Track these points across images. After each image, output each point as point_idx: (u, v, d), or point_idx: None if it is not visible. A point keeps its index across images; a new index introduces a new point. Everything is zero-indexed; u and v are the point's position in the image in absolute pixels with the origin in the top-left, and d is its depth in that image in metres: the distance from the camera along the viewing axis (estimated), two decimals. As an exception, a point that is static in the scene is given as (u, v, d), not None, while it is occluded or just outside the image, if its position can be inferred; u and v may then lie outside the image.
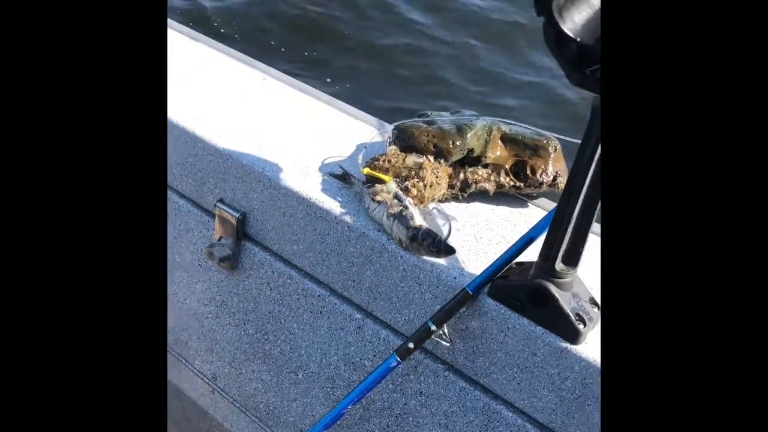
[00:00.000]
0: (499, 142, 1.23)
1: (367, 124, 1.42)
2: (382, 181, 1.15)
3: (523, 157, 1.22)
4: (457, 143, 1.19)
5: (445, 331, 1.04)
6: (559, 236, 0.93)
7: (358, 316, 1.21)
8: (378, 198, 1.12)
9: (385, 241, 1.11)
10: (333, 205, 1.17)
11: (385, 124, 1.44)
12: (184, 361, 1.58)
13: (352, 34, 4.00)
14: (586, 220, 0.92)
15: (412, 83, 3.66)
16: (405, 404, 1.20)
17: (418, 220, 1.07)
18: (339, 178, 1.24)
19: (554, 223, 0.94)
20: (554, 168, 1.22)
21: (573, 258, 0.95)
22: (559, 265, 0.95)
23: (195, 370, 1.57)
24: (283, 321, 1.33)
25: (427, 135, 1.21)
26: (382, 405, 1.23)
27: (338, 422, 1.19)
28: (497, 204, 1.24)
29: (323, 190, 1.20)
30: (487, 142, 1.21)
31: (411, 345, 1.06)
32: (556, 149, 1.23)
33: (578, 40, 0.67)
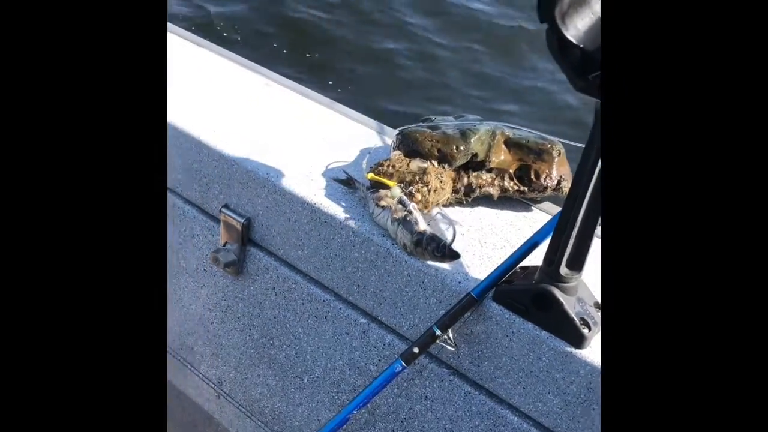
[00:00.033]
0: (503, 146, 1.23)
1: (370, 129, 1.43)
2: (386, 186, 1.16)
3: (527, 162, 1.23)
4: (461, 148, 1.20)
5: (450, 335, 1.04)
6: (564, 241, 0.94)
7: (363, 320, 1.21)
8: (382, 203, 1.13)
9: (389, 246, 1.11)
10: (337, 211, 1.18)
11: (385, 127, 1.44)
12: (189, 366, 1.59)
13: (355, 38, 4.01)
14: (590, 225, 0.92)
15: (415, 88, 3.67)
16: (410, 409, 1.20)
17: (423, 225, 1.08)
18: (343, 183, 1.24)
19: (558, 228, 0.94)
20: (558, 172, 1.22)
21: (577, 262, 0.95)
22: (563, 270, 0.95)
23: (200, 375, 1.57)
24: (288, 326, 1.34)
25: (431, 140, 1.22)
26: (388, 409, 1.23)
27: (344, 427, 1.20)
28: (501, 208, 1.24)
29: (328, 195, 1.21)
30: (490, 147, 1.22)
31: (416, 350, 1.06)
32: (560, 153, 1.23)
33: (581, 46, 0.68)
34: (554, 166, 1.22)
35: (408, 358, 1.07)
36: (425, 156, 1.21)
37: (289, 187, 1.22)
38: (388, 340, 1.19)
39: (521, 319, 1.01)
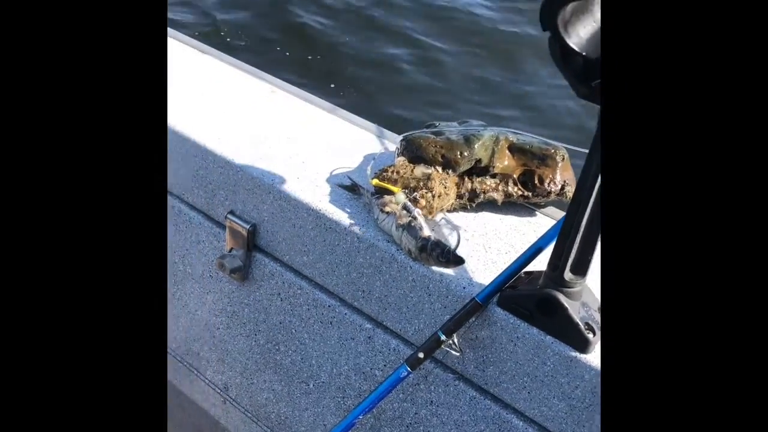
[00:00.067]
0: (507, 151, 1.24)
1: (374, 135, 1.44)
2: (390, 192, 1.16)
3: (531, 167, 1.23)
4: (465, 154, 1.20)
5: (455, 340, 1.05)
6: (568, 246, 0.94)
7: (369, 326, 1.22)
8: (387, 209, 1.13)
9: (394, 252, 1.12)
10: (342, 217, 1.18)
11: (389, 133, 1.45)
12: (195, 372, 1.59)
13: (358, 44, 4.02)
14: (594, 230, 0.92)
15: (418, 94, 3.67)
16: (416, 414, 1.20)
17: (427, 231, 1.08)
18: (348, 189, 1.25)
19: (562, 233, 0.95)
20: (562, 177, 1.23)
21: (582, 267, 0.95)
22: (567, 275, 0.95)
23: (207, 381, 1.58)
24: (293, 331, 1.34)
25: (435, 146, 1.22)
26: (393, 414, 1.23)
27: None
28: (505, 213, 1.25)
29: (332, 201, 1.21)
30: (494, 152, 1.22)
31: (421, 355, 1.06)
32: (563, 158, 1.23)
33: (584, 54, 0.68)
34: (558, 171, 1.22)
35: (413, 363, 1.08)
36: (429, 162, 1.21)
37: (294, 193, 1.22)
38: (393, 345, 1.19)
39: (526, 324, 1.01)
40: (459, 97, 3.65)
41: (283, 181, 1.25)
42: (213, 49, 1.70)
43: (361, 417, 1.16)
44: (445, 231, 1.17)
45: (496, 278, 1.02)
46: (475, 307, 1.02)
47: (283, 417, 1.45)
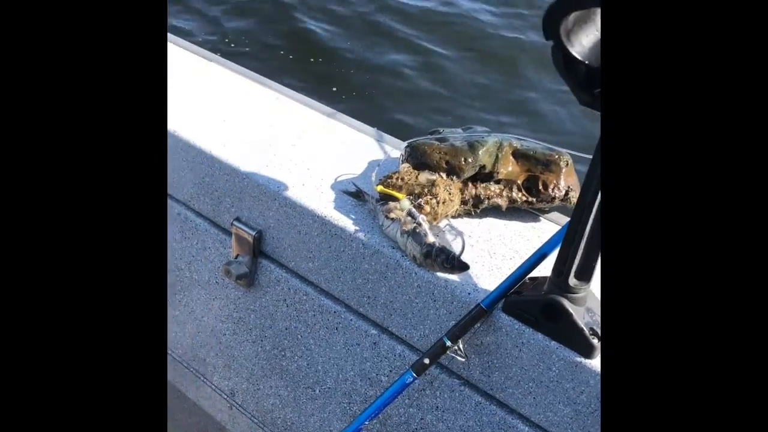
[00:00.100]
0: (511, 157, 1.24)
1: (379, 142, 1.45)
2: (395, 199, 1.17)
3: (535, 172, 1.24)
4: (469, 160, 1.21)
5: (460, 346, 1.05)
6: (572, 251, 0.94)
7: (374, 331, 1.22)
8: (392, 215, 1.14)
9: (399, 258, 1.13)
10: (347, 223, 1.19)
11: (394, 139, 1.46)
12: (202, 377, 1.60)
13: (362, 51, 4.04)
14: (598, 236, 0.93)
15: (423, 100, 3.69)
16: (422, 419, 1.21)
17: (432, 237, 1.09)
18: (353, 195, 1.26)
19: (567, 239, 0.95)
20: (566, 183, 1.23)
21: (586, 273, 0.96)
22: (572, 281, 0.96)
23: (213, 386, 1.59)
24: (299, 337, 1.35)
25: (440, 152, 1.23)
26: (399, 420, 1.24)
27: (355, 437, 1.21)
28: (510, 219, 1.25)
29: (337, 207, 1.22)
30: (498, 158, 1.23)
31: (426, 360, 1.07)
32: (567, 164, 1.24)
33: (586, 62, 0.69)
34: (562, 176, 1.23)
35: (419, 368, 1.08)
36: (434, 168, 1.22)
37: (300, 200, 1.23)
38: (399, 350, 1.20)
39: (531, 329, 1.02)
40: (462, 103, 3.66)
41: (288, 187, 1.26)
42: (218, 56, 1.71)
43: (367, 423, 1.17)
44: (450, 237, 1.18)
45: (501, 284, 1.03)
46: (480, 312, 1.03)
47: (290, 422, 1.45)
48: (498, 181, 1.23)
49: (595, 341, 0.97)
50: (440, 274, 1.09)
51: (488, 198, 1.22)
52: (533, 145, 1.26)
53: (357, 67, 3.90)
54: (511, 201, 1.24)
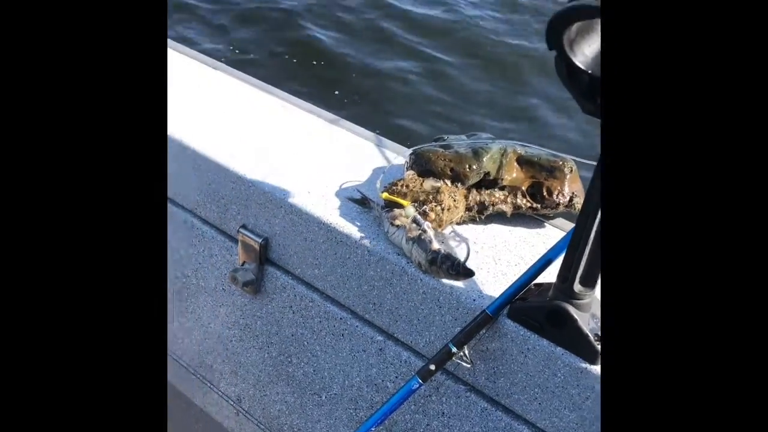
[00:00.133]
0: (515, 164, 1.25)
1: (384, 149, 1.45)
2: (400, 206, 1.18)
3: (539, 179, 1.24)
4: (474, 167, 1.22)
5: (466, 352, 1.06)
6: (577, 258, 0.95)
7: (380, 338, 1.23)
8: (397, 222, 1.15)
9: (404, 265, 1.13)
10: (353, 230, 1.20)
11: (398, 146, 1.47)
12: (209, 384, 1.61)
13: (367, 58, 4.06)
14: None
15: (426, 107, 3.70)
16: (428, 425, 1.21)
17: (437, 244, 1.09)
18: (358, 202, 1.26)
19: (572, 245, 0.96)
20: (570, 189, 1.24)
21: (591, 279, 0.96)
22: (577, 287, 0.96)
23: (220, 393, 1.59)
24: (306, 343, 1.36)
25: (444, 159, 1.24)
26: (405, 426, 1.24)
27: (362, 443, 1.21)
28: (515, 225, 1.26)
29: (343, 215, 1.23)
30: (502, 165, 1.24)
31: (432, 367, 1.07)
32: (572, 170, 1.24)
33: (589, 72, 0.70)
34: (566, 182, 1.23)
35: (424, 375, 1.09)
36: (438, 175, 1.23)
37: (306, 207, 1.24)
38: (405, 357, 1.20)
39: (536, 335, 1.02)
40: (466, 109, 3.67)
41: (294, 195, 1.27)
42: (224, 65, 1.73)
43: (373, 429, 1.17)
44: (455, 244, 1.18)
45: (506, 290, 1.03)
46: (486, 319, 1.03)
47: (296, 429, 1.46)
48: (502, 188, 1.24)
49: (600, 347, 0.97)
50: (445, 281, 1.09)
51: (493, 204, 1.23)
52: (537, 151, 1.27)
53: (361, 74, 3.92)
54: (516, 207, 1.24)
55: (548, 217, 1.28)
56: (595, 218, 0.92)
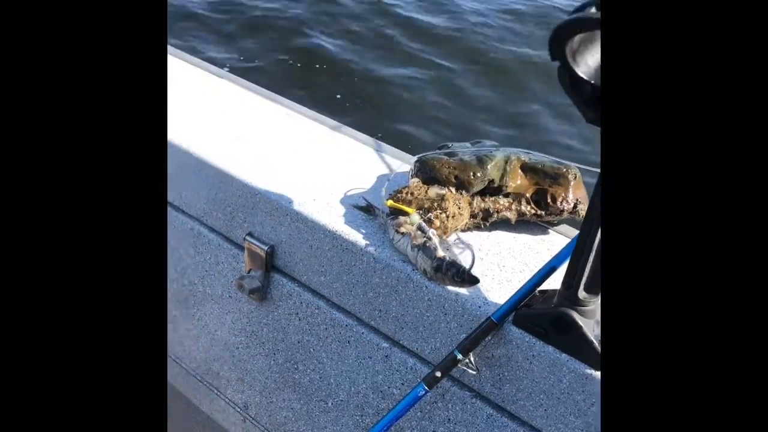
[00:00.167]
0: (519, 171, 1.26)
1: (388, 156, 1.47)
2: (405, 213, 1.19)
3: (544, 186, 1.25)
4: (478, 174, 1.23)
5: (471, 359, 1.06)
6: (581, 265, 0.95)
7: (386, 345, 1.23)
8: (402, 230, 1.16)
9: (410, 272, 1.14)
10: (358, 238, 1.21)
11: (403, 154, 1.47)
12: (215, 391, 1.62)
13: (371, 66, 4.07)
14: (606, 249, 0.94)
15: (430, 114, 3.72)
16: (434, 431, 1.22)
17: (442, 251, 1.10)
18: (363, 209, 1.27)
19: (576, 252, 0.96)
20: (574, 195, 1.24)
21: (595, 286, 0.97)
22: (581, 294, 0.97)
23: (227, 400, 1.60)
24: (312, 350, 1.37)
25: (448, 167, 1.25)
26: (411, 432, 1.25)
27: (368, 450, 1.22)
28: (519, 232, 1.26)
29: (348, 222, 1.24)
30: (506, 172, 1.24)
31: (438, 374, 1.08)
32: (575, 177, 1.25)
33: (592, 82, 0.71)
34: (570, 189, 1.24)
35: (430, 381, 1.09)
36: (443, 183, 1.24)
37: (311, 214, 1.25)
38: (411, 363, 1.21)
39: (541, 342, 1.03)
40: (470, 116, 3.68)
41: (299, 202, 1.28)
42: (230, 73, 1.74)
43: (379, 435, 1.18)
44: (460, 251, 1.19)
45: (511, 297, 1.04)
46: (491, 326, 1.04)
47: (302, 435, 1.47)
48: (507, 195, 1.25)
49: (600, 352, 0.98)
50: (451, 288, 1.10)
51: (497, 211, 1.24)
52: (541, 158, 1.28)
53: (365, 81, 3.93)
54: (520, 214, 1.25)
55: (552, 224, 1.29)
56: (599, 225, 0.93)
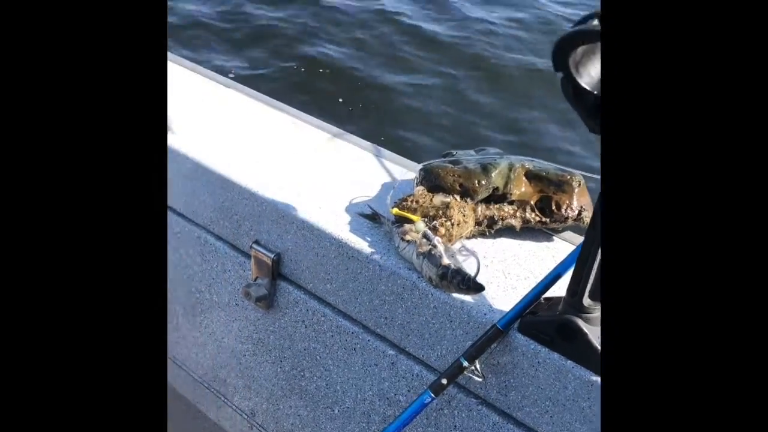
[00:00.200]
0: (524, 178, 1.27)
1: (393, 164, 1.48)
2: (410, 221, 1.20)
3: (548, 193, 1.26)
4: (483, 182, 1.23)
5: (477, 366, 1.07)
6: (586, 272, 0.96)
7: (392, 352, 1.24)
8: (407, 237, 1.17)
9: (415, 279, 1.15)
10: (364, 245, 1.22)
11: (408, 162, 1.48)
12: (222, 398, 1.63)
13: (375, 74, 4.09)
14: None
15: (434, 122, 3.73)
16: (440, 438, 1.22)
17: (447, 259, 1.11)
18: (369, 218, 1.28)
19: (580, 260, 0.97)
20: (579, 203, 1.25)
21: (600, 293, 0.97)
22: (586, 301, 0.97)
23: (234, 407, 1.61)
24: (318, 357, 1.37)
25: (453, 175, 1.25)
26: (418, 439, 1.25)
27: (375, 457, 1.22)
28: (524, 239, 1.27)
29: (354, 230, 1.25)
30: (511, 180, 1.25)
31: (444, 381, 1.09)
32: (580, 184, 1.26)
33: (595, 93, 0.72)
34: (575, 196, 1.25)
35: (436, 388, 1.10)
36: (448, 191, 1.25)
37: (317, 222, 1.26)
38: (417, 370, 1.21)
39: (546, 349, 1.03)
40: (474, 124, 3.70)
41: (305, 211, 1.29)
42: (237, 83, 1.76)
43: (386, 442, 1.18)
44: (465, 258, 1.20)
45: (517, 305, 1.04)
46: (497, 333, 1.04)
47: (309, 442, 1.47)
48: (511, 202, 1.25)
49: (600, 357, 0.98)
50: (456, 295, 1.11)
51: (502, 219, 1.25)
52: (545, 166, 1.28)
53: (370, 88, 3.95)
54: (525, 221, 1.25)
55: (557, 231, 1.30)
56: (603, 232, 0.93)
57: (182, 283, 1.57)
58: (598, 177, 0.96)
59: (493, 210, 1.24)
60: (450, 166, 1.28)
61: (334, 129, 1.59)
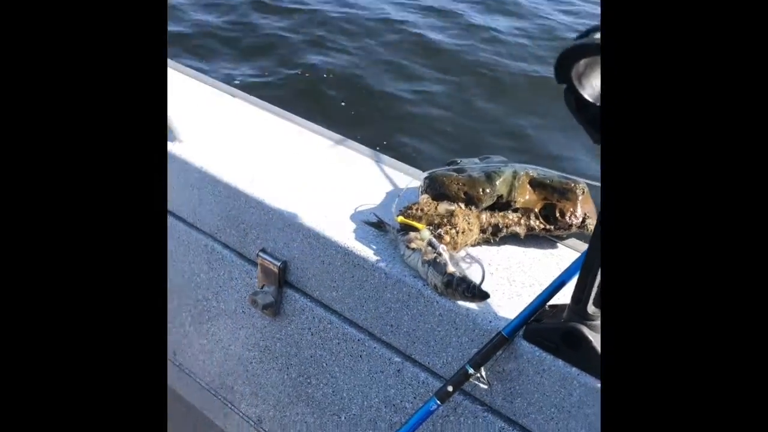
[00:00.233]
0: (528, 186, 1.28)
1: (398, 172, 1.49)
2: (416, 229, 1.21)
3: (552, 200, 1.27)
4: (487, 190, 1.25)
5: (483, 373, 1.07)
6: (590, 279, 0.97)
7: (398, 359, 1.25)
8: (413, 245, 1.18)
9: (421, 287, 1.16)
10: (369, 253, 1.23)
11: (413, 170, 1.50)
12: (229, 405, 1.64)
13: (379, 83, 4.12)
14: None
15: (438, 130, 3.74)
16: (446, 445, 1.23)
17: (452, 267, 1.12)
18: (374, 225, 1.29)
19: (585, 267, 0.98)
20: (583, 210, 1.26)
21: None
22: (590, 308, 0.98)
23: (241, 414, 1.62)
24: (324, 364, 1.38)
25: (458, 183, 1.27)
26: (424, 446, 1.26)
27: (381, 464, 1.23)
28: (528, 246, 1.28)
29: (359, 238, 1.26)
30: (515, 187, 1.26)
31: (450, 388, 1.09)
32: (584, 192, 1.27)
33: (597, 104, 0.73)
34: (579, 204, 1.26)
35: (442, 396, 1.10)
36: (452, 199, 1.26)
37: (323, 231, 1.27)
38: (423, 378, 1.22)
39: (552, 356, 1.04)
40: (479, 132, 3.71)
41: (311, 219, 1.30)
42: (243, 92, 1.78)
43: (392, 449, 1.19)
44: (470, 266, 1.21)
45: (522, 312, 1.05)
46: (502, 340, 1.05)
47: (316, 449, 1.48)
48: (516, 210, 1.27)
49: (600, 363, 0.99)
50: (461, 303, 1.12)
51: (506, 226, 1.25)
52: (549, 173, 1.29)
53: (376, 97, 3.97)
54: (529, 229, 1.26)
55: (561, 238, 1.30)
56: (607, 240, 0.94)
57: (189, 291, 1.59)
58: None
59: (498, 218, 1.25)
60: (454, 174, 1.29)
61: (338, 137, 1.61)
